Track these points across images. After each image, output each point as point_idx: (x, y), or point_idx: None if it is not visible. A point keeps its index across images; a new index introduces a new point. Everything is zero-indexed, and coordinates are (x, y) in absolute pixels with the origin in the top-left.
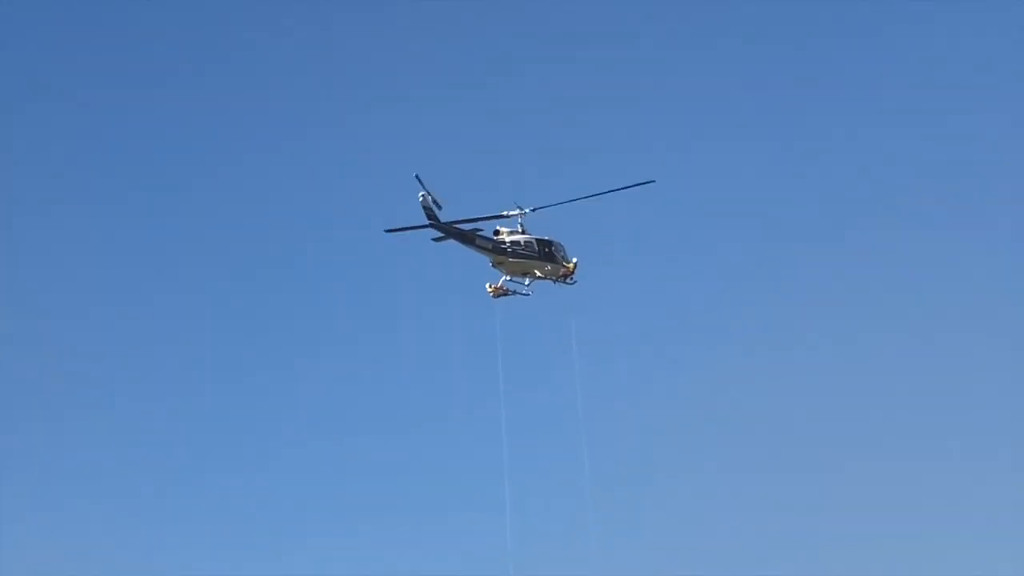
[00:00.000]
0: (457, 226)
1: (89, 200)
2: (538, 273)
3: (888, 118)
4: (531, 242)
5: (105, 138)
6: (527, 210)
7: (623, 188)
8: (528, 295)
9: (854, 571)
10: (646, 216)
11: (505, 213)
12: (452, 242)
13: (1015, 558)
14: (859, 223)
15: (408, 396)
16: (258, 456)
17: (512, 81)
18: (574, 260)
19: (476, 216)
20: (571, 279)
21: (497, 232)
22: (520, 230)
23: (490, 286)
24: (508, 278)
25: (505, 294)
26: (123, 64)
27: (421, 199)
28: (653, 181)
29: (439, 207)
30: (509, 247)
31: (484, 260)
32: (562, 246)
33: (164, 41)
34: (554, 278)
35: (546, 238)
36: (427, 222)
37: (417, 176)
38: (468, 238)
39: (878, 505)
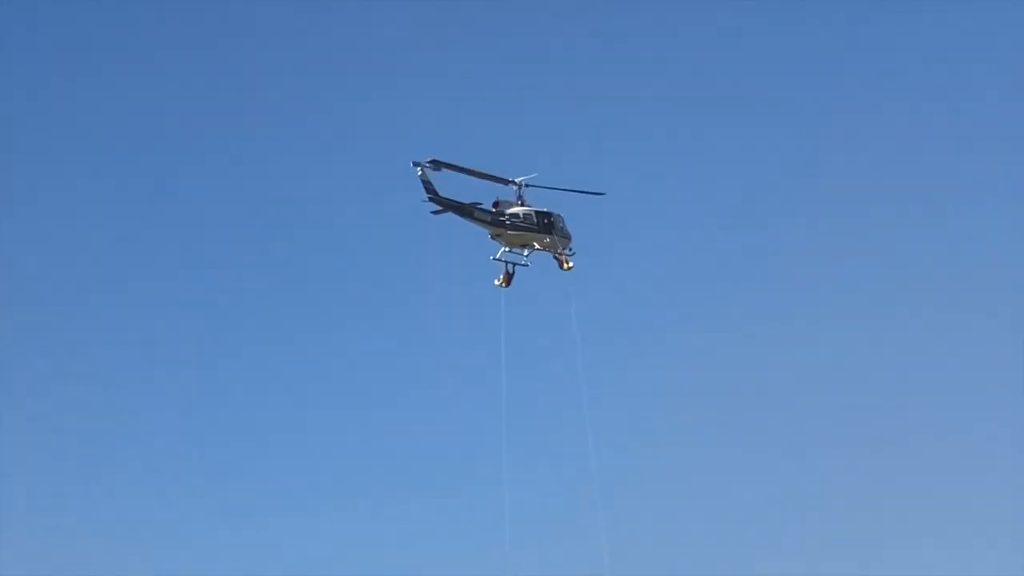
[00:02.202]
0: (456, 200)
1: (88, 197)
2: (537, 246)
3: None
4: (530, 215)
5: (103, 132)
6: (524, 181)
7: (575, 191)
8: (527, 266)
9: (857, 568)
10: (650, 205)
11: (507, 179)
12: (451, 215)
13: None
14: (866, 210)
15: (406, 380)
16: (250, 442)
17: (510, 67)
18: (572, 263)
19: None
20: (568, 251)
21: (496, 204)
22: (520, 202)
23: (498, 280)
24: (507, 249)
25: (511, 276)
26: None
27: (420, 173)
28: (603, 194)
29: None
30: (508, 220)
31: (484, 233)
32: (561, 218)
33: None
34: (553, 251)
35: (545, 210)
36: (426, 196)
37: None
38: (467, 211)
39: (883, 501)
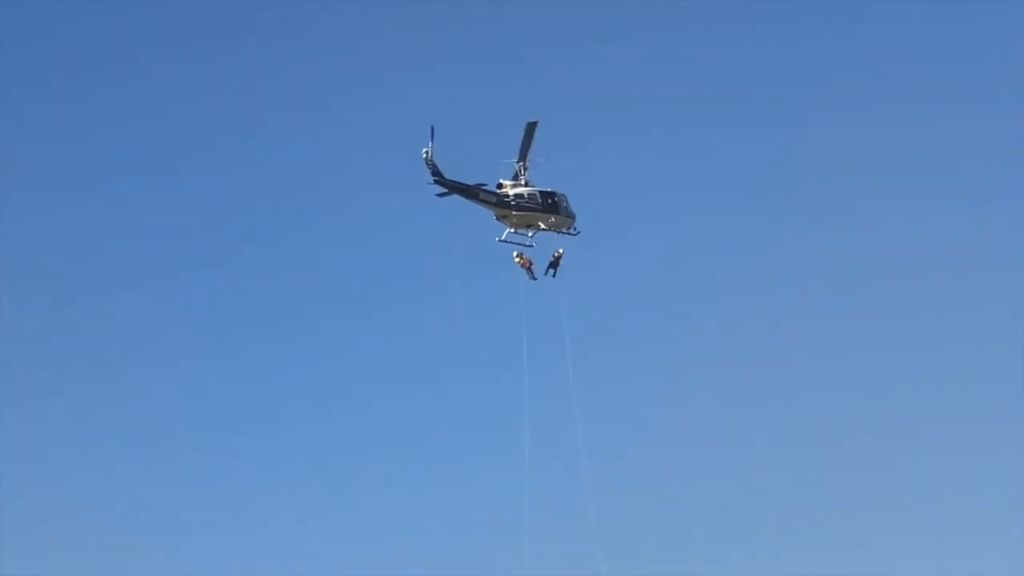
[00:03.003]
0: (461, 182)
1: (87, 196)
2: (542, 225)
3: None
4: (534, 195)
5: (103, 132)
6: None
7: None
8: (531, 246)
9: (858, 568)
10: (650, 205)
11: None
12: (456, 197)
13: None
14: (867, 210)
15: (407, 377)
16: (249, 442)
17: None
18: (561, 250)
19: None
20: (572, 230)
21: (500, 185)
22: (524, 183)
23: (518, 259)
24: (512, 230)
25: (530, 272)
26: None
27: (424, 155)
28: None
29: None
30: (513, 200)
31: (489, 214)
32: (565, 197)
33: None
34: (557, 230)
35: (549, 190)
36: (431, 179)
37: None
38: (472, 192)
39: (883, 500)
